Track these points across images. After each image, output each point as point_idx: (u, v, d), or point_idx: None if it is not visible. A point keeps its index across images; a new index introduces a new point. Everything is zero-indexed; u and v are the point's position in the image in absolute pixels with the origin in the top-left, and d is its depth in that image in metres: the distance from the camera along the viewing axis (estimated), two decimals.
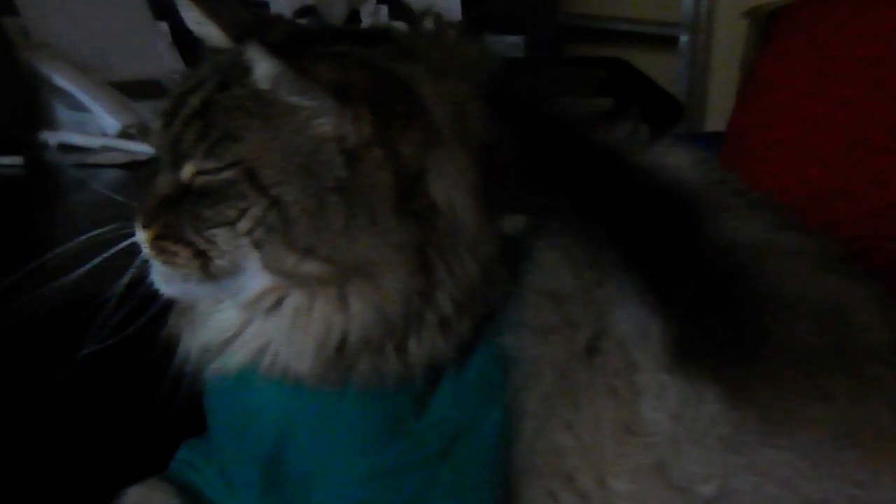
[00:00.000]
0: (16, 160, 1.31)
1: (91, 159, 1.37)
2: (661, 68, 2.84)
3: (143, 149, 1.39)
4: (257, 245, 0.66)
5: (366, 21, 1.93)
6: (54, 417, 0.81)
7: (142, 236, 0.68)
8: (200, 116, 0.67)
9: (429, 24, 2.15)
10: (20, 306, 0.80)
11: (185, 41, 1.77)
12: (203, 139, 0.66)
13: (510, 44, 2.18)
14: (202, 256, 0.67)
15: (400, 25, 1.99)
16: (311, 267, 0.66)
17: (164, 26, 1.76)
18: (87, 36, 1.61)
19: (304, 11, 1.86)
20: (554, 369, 0.70)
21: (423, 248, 0.66)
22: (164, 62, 1.71)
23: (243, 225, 0.66)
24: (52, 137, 1.43)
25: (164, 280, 0.69)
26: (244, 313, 0.71)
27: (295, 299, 0.69)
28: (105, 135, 1.45)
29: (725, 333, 0.68)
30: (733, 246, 0.72)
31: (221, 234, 0.67)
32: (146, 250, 0.68)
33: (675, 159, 0.78)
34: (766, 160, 1.36)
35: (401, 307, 0.66)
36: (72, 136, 1.44)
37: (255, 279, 0.68)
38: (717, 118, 2.81)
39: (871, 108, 1.30)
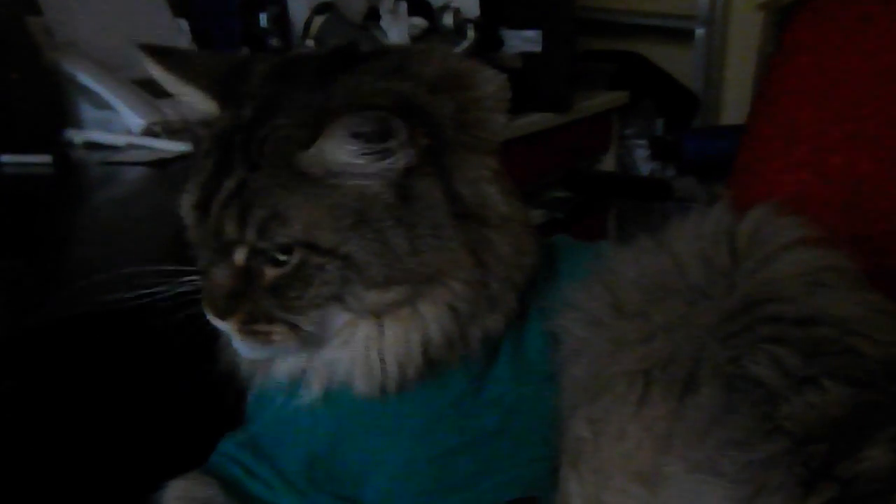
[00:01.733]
0: (44, 159, 1.32)
1: (117, 157, 1.38)
2: (676, 61, 2.84)
3: (168, 146, 1.40)
4: (339, 298, 0.70)
5: (385, 17, 1.94)
6: (96, 411, 0.82)
7: (222, 325, 0.71)
8: (237, 199, 0.68)
9: (447, 19, 2.17)
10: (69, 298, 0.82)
11: (204, 38, 1.78)
12: (247, 223, 0.68)
13: (527, 38, 2.18)
14: (295, 328, 0.71)
15: (419, 21, 2.00)
16: (391, 295, 0.70)
17: (184, 23, 1.77)
18: (110, 34, 1.62)
19: (323, 8, 1.87)
20: (590, 360, 0.72)
21: (475, 244, 0.71)
22: None
23: (326, 290, 0.69)
24: (78, 136, 1.45)
25: (252, 349, 0.72)
26: (310, 354, 0.74)
27: (364, 329, 0.72)
28: (130, 133, 1.46)
29: None
30: None
31: (309, 305, 0.70)
32: (232, 335, 0.71)
33: None
34: (787, 152, 1.36)
35: (468, 301, 0.71)
36: (98, 135, 1.45)
37: (336, 324, 0.72)
38: (733, 111, 2.81)
39: (893, 95, 1.30)
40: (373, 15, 1.97)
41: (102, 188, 1.31)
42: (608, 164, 2.72)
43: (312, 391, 0.75)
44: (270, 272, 0.69)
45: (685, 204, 2.20)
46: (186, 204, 0.72)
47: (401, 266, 0.69)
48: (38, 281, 0.90)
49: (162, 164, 1.34)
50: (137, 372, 0.84)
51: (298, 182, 0.67)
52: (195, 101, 0.75)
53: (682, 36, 2.85)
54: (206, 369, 0.78)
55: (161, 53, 0.76)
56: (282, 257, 0.68)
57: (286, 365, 0.76)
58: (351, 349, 0.73)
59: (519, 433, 0.73)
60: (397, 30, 1.94)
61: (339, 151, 0.66)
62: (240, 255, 0.69)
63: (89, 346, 0.82)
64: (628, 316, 0.73)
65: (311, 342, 0.72)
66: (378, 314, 0.71)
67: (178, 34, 1.76)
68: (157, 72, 0.76)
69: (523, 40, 2.18)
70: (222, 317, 0.70)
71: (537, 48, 2.18)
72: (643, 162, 2.81)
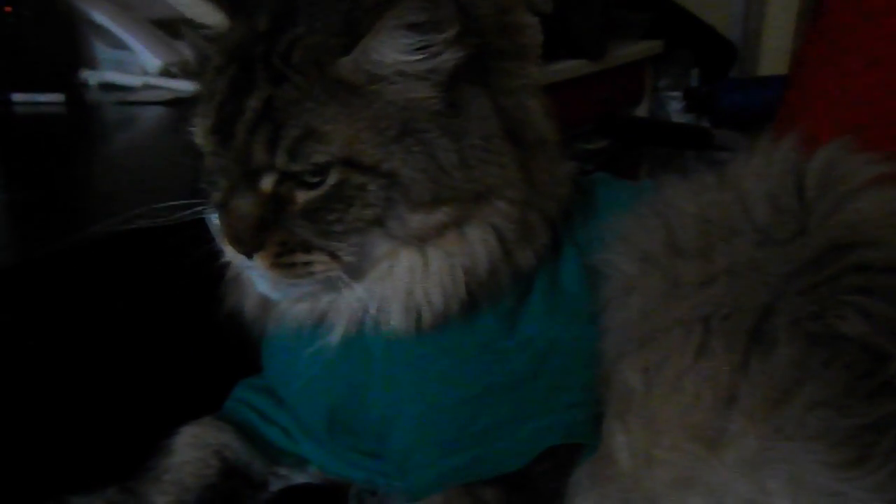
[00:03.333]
0: (57, 98, 1.28)
1: (132, 97, 1.34)
2: (714, 9, 2.74)
3: (184, 86, 1.35)
4: (381, 222, 0.64)
5: None
6: (107, 355, 0.77)
7: (249, 263, 0.64)
8: (265, 119, 0.61)
9: None
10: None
11: None
12: (278, 144, 0.61)
13: None
14: (336, 257, 0.64)
15: None
16: (438, 216, 0.64)
17: None
18: None
19: None
20: (642, 301, 0.65)
21: (526, 161, 0.66)
22: None
23: (369, 213, 0.63)
24: (92, 76, 1.41)
25: (285, 286, 0.66)
26: (338, 292, 0.68)
27: (406, 259, 0.66)
28: (146, 73, 1.42)
29: None
30: None
31: (350, 230, 0.63)
32: (262, 272, 0.64)
33: None
34: (839, 98, 1.29)
35: (515, 222, 0.67)
36: (113, 75, 1.41)
37: (376, 254, 0.66)
38: (771, 62, 2.72)
39: None
40: None
41: (115, 127, 1.27)
42: (640, 115, 2.64)
43: (336, 333, 0.69)
44: (302, 196, 0.63)
45: (722, 155, 2.14)
46: (201, 130, 0.64)
47: (449, 182, 0.63)
48: (48, 214, 0.85)
49: (179, 104, 1.30)
50: (147, 313, 0.80)
51: (335, 92, 0.61)
52: (201, 13, 0.68)
53: None
54: (216, 312, 0.73)
55: None
56: (315, 180, 0.62)
57: (303, 307, 0.70)
58: (392, 282, 0.67)
59: (555, 376, 0.68)
60: None
61: (389, 48, 0.61)
62: (268, 182, 0.62)
63: (99, 274, 0.78)
64: (686, 255, 0.67)
65: (352, 272, 0.66)
66: (423, 239, 0.65)
67: None
68: None
69: None
70: (251, 251, 0.63)
71: None
72: (677, 114, 2.73)
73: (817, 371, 0.59)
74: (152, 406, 0.78)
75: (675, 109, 2.74)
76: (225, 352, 0.76)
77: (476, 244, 0.66)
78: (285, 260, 0.63)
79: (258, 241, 0.63)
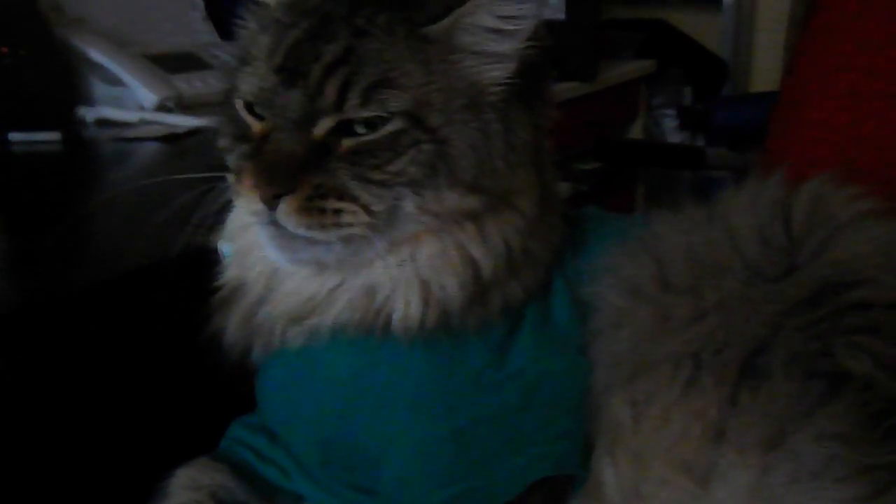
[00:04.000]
0: (54, 136, 1.29)
1: (129, 133, 1.35)
2: (705, 28, 2.76)
3: (181, 121, 1.37)
4: (419, 189, 0.64)
5: None
6: (102, 399, 0.78)
7: (270, 207, 0.63)
8: (344, 63, 0.63)
9: None
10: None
11: (218, 10, 1.74)
12: (352, 86, 0.63)
13: (551, 6, 2.11)
14: (367, 210, 0.64)
15: None
16: (469, 201, 0.66)
17: None
18: (121, 9, 1.59)
19: None
20: (631, 334, 0.66)
21: (542, 175, 0.70)
22: (199, 34, 1.69)
23: (414, 171, 0.64)
24: (89, 113, 1.41)
25: (293, 249, 0.65)
26: (340, 272, 0.68)
27: (429, 247, 0.67)
28: (142, 108, 1.43)
29: None
30: None
31: (390, 181, 0.64)
32: (286, 218, 0.63)
33: None
34: (825, 113, 1.30)
35: (523, 236, 0.69)
36: (109, 111, 1.42)
37: (402, 226, 0.66)
38: (763, 78, 2.73)
39: None
40: None
41: (112, 164, 1.28)
42: (636, 134, 2.67)
43: (335, 312, 0.68)
44: (349, 142, 0.64)
45: (717, 174, 2.15)
46: (262, 68, 0.65)
47: (490, 168, 0.66)
48: (46, 259, 0.86)
49: (175, 140, 1.31)
50: (142, 356, 0.81)
51: (416, 53, 0.64)
52: None
53: (710, 1, 2.77)
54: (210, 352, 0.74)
55: None
56: (366, 130, 0.63)
57: (306, 287, 0.69)
58: (413, 267, 0.67)
59: (545, 408, 0.68)
60: None
61: (477, 24, 0.65)
62: (324, 126, 0.63)
63: (97, 321, 0.79)
64: (676, 291, 0.68)
65: (380, 228, 0.65)
66: (447, 223, 0.66)
67: (192, 9, 1.72)
68: None
69: (546, 8, 2.11)
70: (283, 192, 0.62)
71: (560, 16, 2.11)
72: (672, 132, 2.74)
73: (819, 405, 0.59)
74: (149, 448, 0.79)
75: (670, 127, 2.75)
76: (221, 390, 0.76)
77: (492, 240, 0.67)
78: (317, 204, 0.63)
79: (293, 182, 0.62)
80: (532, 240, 0.70)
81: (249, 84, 0.66)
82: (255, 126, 0.66)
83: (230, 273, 0.75)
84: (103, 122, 1.40)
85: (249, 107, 0.67)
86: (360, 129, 0.64)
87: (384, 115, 0.63)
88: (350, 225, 0.64)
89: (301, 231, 0.63)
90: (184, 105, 1.47)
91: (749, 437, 0.60)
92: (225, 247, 0.75)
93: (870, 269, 0.66)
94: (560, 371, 0.69)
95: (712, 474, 0.60)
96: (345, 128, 0.64)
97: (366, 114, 0.63)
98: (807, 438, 0.58)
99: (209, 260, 0.74)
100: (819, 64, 1.38)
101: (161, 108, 1.44)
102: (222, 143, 0.69)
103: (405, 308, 0.67)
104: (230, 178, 0.67)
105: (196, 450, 0.76)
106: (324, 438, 0.71)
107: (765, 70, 2.73)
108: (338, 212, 0.63)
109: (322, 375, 0.71)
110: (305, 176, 0.62)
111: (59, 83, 1.41)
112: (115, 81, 1.45)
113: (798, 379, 0.60)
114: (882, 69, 1.25)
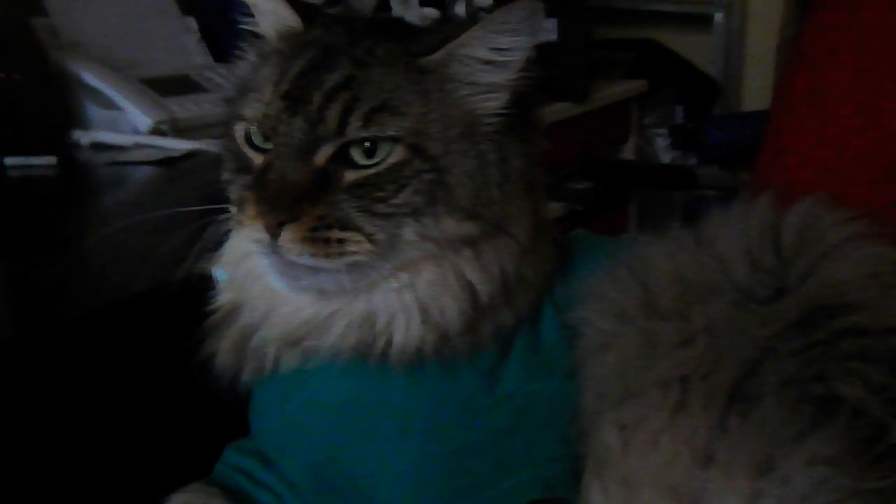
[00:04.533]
0: (49, 160, 1.29)
1: (124, 157, 1.35)
2: (695, 48, 2.78)
3: (175, 144, 1.37)
4: (419, 217, 0.65)
5: (396, 9, 1.90)
6: (97, 424, 0.79)
7: (272, 235, 0.63)
8: (345, 90, 0.65)
9: (459, 8, 2.13)
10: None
11: (213, 36, 1.75)
12: (353, 111, 0.64)
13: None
14: (371, 239, 0.65)
15: (430, 11, 1.97)
16: (467, 227, 0.67)
17: (191, 22, 1.74)
18: (116, 34, 1.60)
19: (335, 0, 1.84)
20: (618, 358, 0.67)
21: (534, 202, 0.71)
22: (193, 57, 1.69)
23: (417, 200, 0.65)
24: (84, 137, 1.42)
25: (295, 275, 0.66)
26: (340, 297, 0.69)
27: (428, 273, 0.68)
28: (137, 132, 1.44)
29: None
30: None
31: (393, 212, 0.65)
32: (287, 247, 0.63)
33: None
34: (819, 132, 1.31)
35: (518, 262, 0.69)
36: (104, 135, 1.42)
37: (403, 252, 0.66)
38: (754, 97, 2.75)
39: None
40: (384, 6, 1.93)
41: (107, 188, 1.28)
42: (628, 153, 2.67)
43: (334, 336, 0.69)
44: (351, 175, 0.65)
45: (709, 193, 2.16)
46: (267, 94, 0.66)
47: (487, 196, 0.67)
48: (42, 285, 0.87)
49: (170, 163, 1.32)
50: (138, 382, 0.81)
51: (413, 82, 0.66)
52: (278, 10, 0.72)
53: (700, 21, 2.80)
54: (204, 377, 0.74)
55: None
56: (368, 161, 0.64)
57: (305, 313, 0.70)
58: (412, 293, 0.68)
59: (534, 431, 0.69)
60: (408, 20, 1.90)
61: (471, 55, 0.66)
62: (324, 153, 0.64)
63: (93, 347, 0.79)
64: (663, 315, 0.68)
65: (382, 256, 0.66)
66: (444, 250, 0.67)
67: (186, 32, 1.73)
68: None
69: None
70: (286, 221, 0.63)
71: (552, 37, 2.13)
72: (664, 151, 2.76)
73: (810, 429, 0.59)
74: (145, 473, 0.79)
75: (662, 146, 2.77)
76: (216, 415, 0.77)
77: (489, 265, 0.68)
78: (321, 234, 0.63)
79: (295, 210, 0.63)
80: (525, 265, 0.70)
81: (254, 109, 0.67)
82: (256, 158, 0.67)
83: (224, 297, 0.75)
84: (98, 146, 1.40)
85: (249, 139, 0.68)
86: (359, 159, 0.64)
87: (384, 136, 0.64)
88: (354, 253, 0.65)
89: (305, 260, 0.64)
90: (178, 128, 1.47)
91: (738, 461, 0.60)
92: (219, 272, 0.75)
93: (860, 292, 0.66)
94: (550, 395, 0.70)
95: (701, 499, 0.60)
96: (346, 159, 0.65)
97: (366, 133, 0.64)
98: (797, 463, 0.58)
99: (205, 287, 0.74)
100: (808, 86, 1.40)
101: (156, 131, 1.44)
102: (225, 176, 0.71)
103: (405, 332, 0.68)
104: (232, 209, 0.68)
105: (191, 475, 0.76)
106: (316, 463, 0.72)
107: (755, 89, 2.76)
108: (342, 241, 0.64)
109: (314, 400, 0.71)
110: (308, 205, 0.63)
111: (53, 107, 1.42)
112: (110, 105, 1.46)
113: (789, 403, 0.60)
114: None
